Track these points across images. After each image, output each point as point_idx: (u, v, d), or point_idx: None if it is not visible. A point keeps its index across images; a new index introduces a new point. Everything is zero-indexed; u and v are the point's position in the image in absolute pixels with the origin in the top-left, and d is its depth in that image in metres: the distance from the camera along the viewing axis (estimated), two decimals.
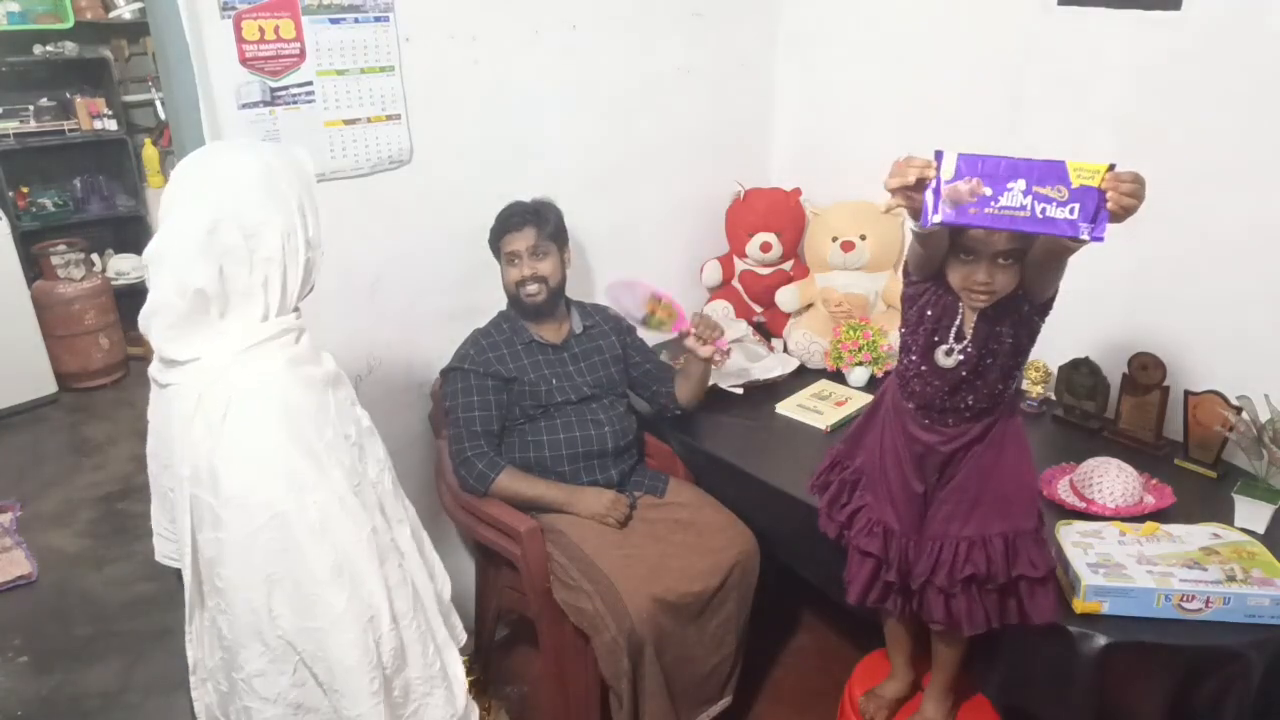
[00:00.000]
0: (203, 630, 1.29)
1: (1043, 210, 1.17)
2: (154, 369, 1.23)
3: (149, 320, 1.18)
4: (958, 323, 1.52)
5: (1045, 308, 1.51)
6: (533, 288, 2.15)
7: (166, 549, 1.36)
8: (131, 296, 4.70)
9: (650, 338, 2.48)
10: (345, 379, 1.31)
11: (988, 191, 1.17)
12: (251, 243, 1.17)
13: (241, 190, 1.18)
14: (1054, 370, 2.33)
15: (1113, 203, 1.18)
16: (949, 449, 1.58)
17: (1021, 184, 1.17)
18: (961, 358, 1.52)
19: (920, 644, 1.84)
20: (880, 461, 1.66)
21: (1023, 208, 1.16)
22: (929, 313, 1.54)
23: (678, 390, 2.27)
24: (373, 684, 1.19)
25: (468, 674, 2.31)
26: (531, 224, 2.14)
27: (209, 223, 1.15)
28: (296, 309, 1.26)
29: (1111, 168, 1.19)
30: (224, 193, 1.17)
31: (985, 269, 1.43)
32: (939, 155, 1.21)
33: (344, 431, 1.25)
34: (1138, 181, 1.19)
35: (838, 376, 2.57)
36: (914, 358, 1.58)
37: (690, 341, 2.15)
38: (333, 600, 1.16)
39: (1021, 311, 1.50)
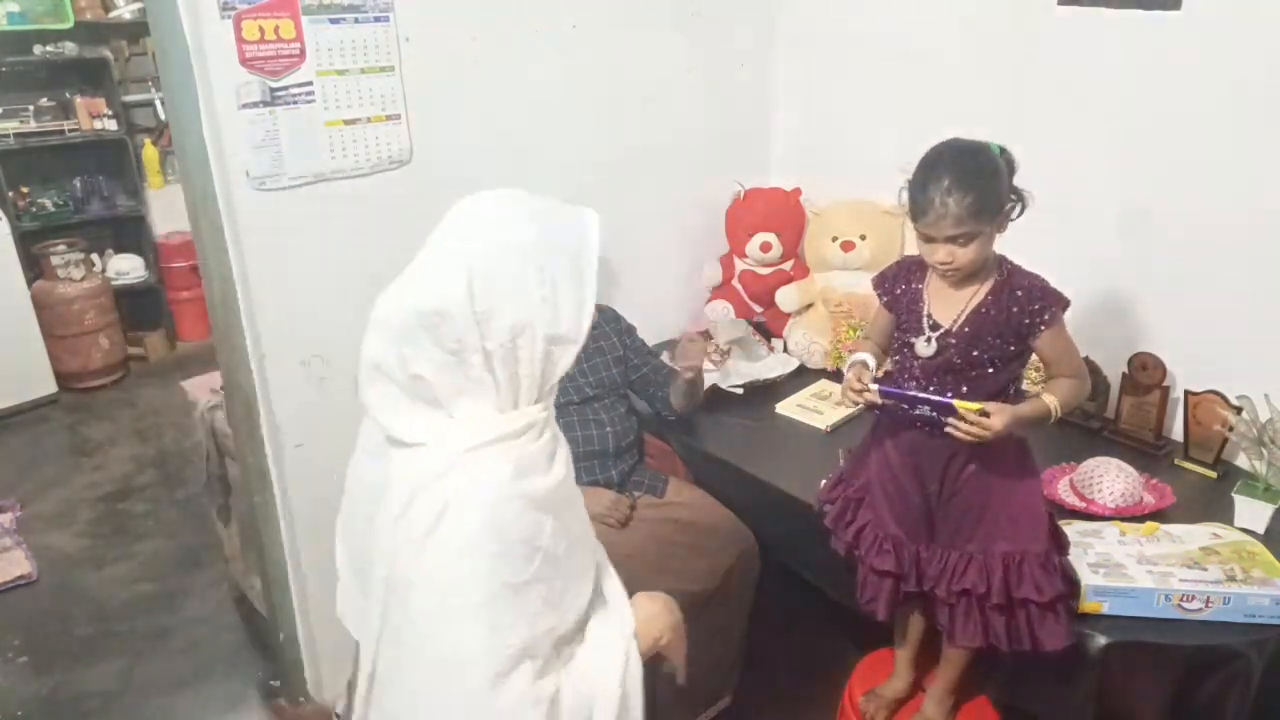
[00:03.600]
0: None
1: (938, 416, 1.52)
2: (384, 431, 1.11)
3: (367, 378, 1.10)
4: (926, 310, 1.61)
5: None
6: None
7: (348, 607, 1.21)
8: (131, 296, 4.70)
9: (650, 336, 2.48)
10: (570, 481, 1.14)
11: (905, 406, 1.56)
12: (482, 329, 1.02)
13: (483, 272, 1.02)
14: None
15: (951, 430, 1.50)
16: (945, 453, 1.59)
17: (926, 408, 1.53)
18: (938, 345, 1.57)
19: (930, 641, 1.84)
20: (879, 475, 1.68)
21: (931, 412, 1.53)
22: (902, 304, 1.65)
23: (672, 399, 2.27)
24: None
25: None
26: None
27: (439, 306, 1.02)
28: (542, 401, 1.10)
29: (983, 413, 1.49)
30: (464, 273, 1.02)
31: (944, 250, 1.51)
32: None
33: (555, 552, 1.07)
34: (985, 420, 1.49)
35: (838, 376, 2.57)
36: (900, 355, 1.66)
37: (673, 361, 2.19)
38: None
39: (1006, 326, 1.56)
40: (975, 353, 1.56)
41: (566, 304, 1.06)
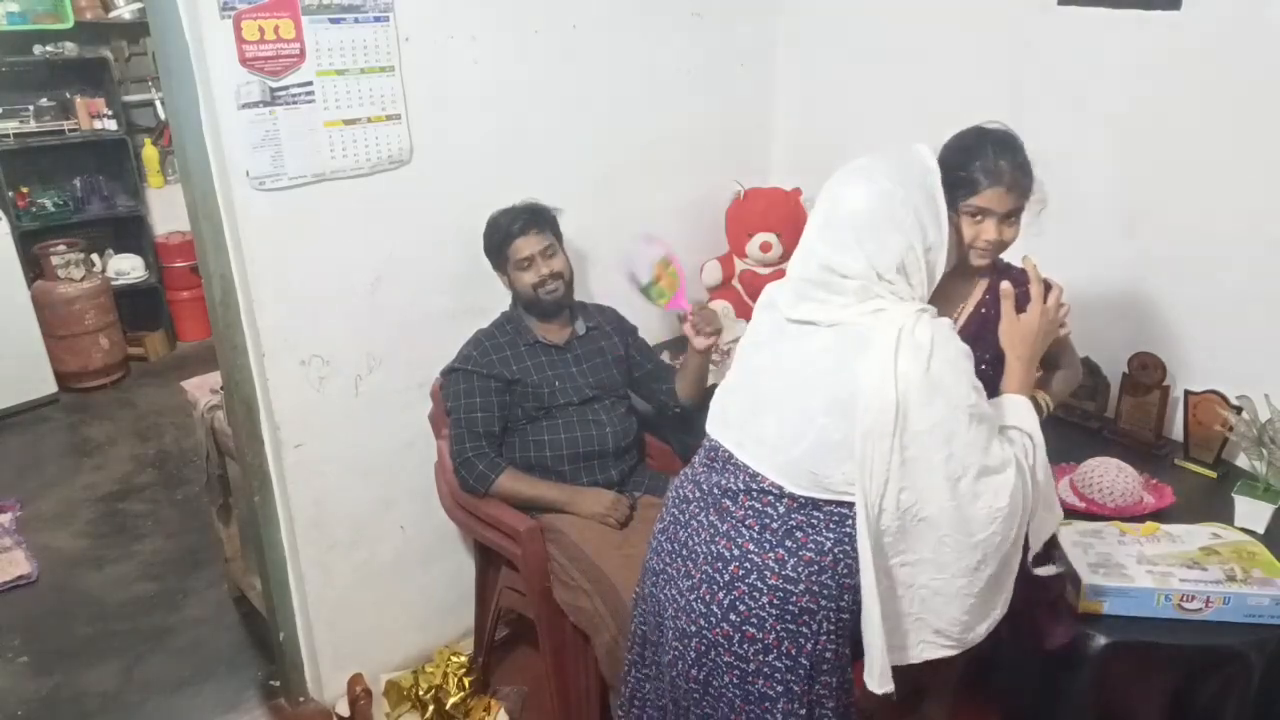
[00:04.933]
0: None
1: None
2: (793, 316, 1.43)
3: (814, 314, 1.39)
4: None
5: None
6: (553, 286, 2.16)
7: (769, 457, 1.41)
8: (131, 296, 4.70)
9: (651, 336, 2.48)
10: None
11: None
12: (875, 265, 1.33)
13: (865, 225, 1.35)
14: None
15: None
16: None
17: None
18: None
19: None
20: None
21: None
22: None
23: (678, 387, 2.27)
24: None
25: (467, 674, 2.33)
26: (535, 225, 2.15)
27: (839, 261, 1.35)
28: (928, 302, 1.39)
29: None
30: (852, 232, 1.35)
31: (995, 227, 1.53)
32: None
33: None
34: None
35: None
36: None
37: (687, 329, 2.14)
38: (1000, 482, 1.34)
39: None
40: (978, 353, 1.56)
41: (929, 221, 1.35)
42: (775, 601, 1.38)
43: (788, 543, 1.38)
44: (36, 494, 3.52)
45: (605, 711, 2.05)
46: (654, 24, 2.50)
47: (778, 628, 1.39)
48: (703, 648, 1.44)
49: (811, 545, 1.37)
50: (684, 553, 1.49)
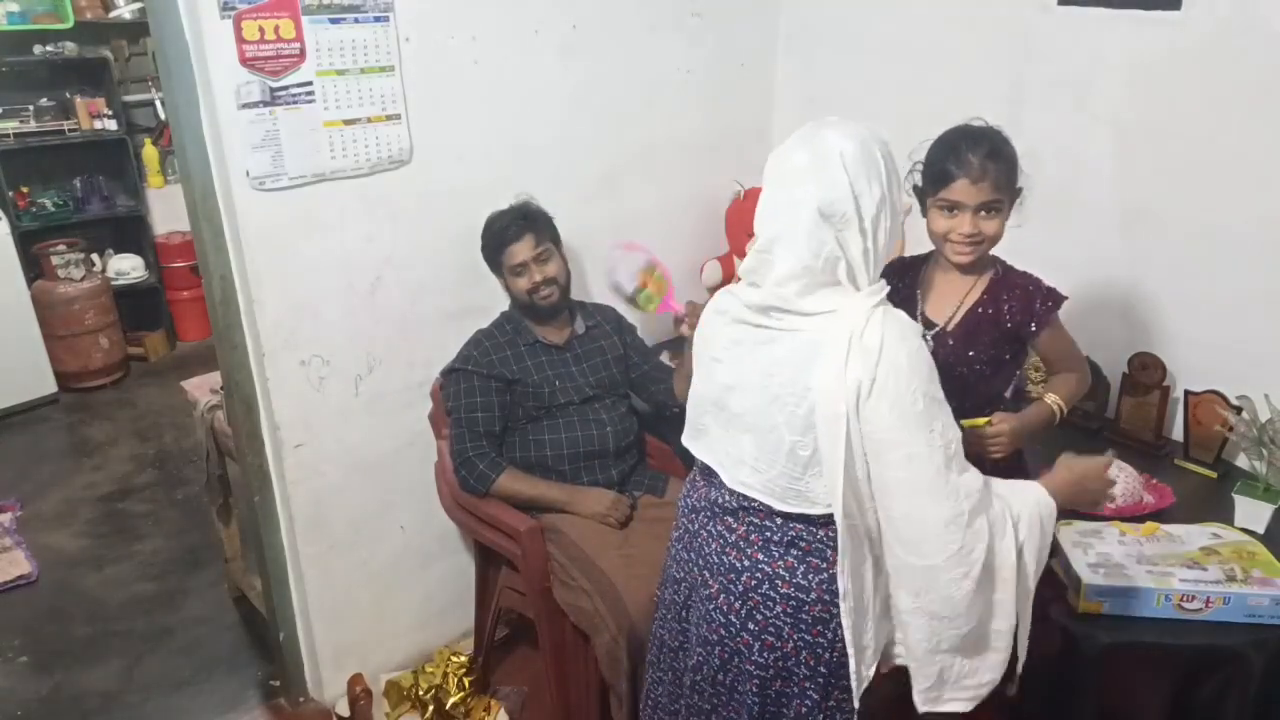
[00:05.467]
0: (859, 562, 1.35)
1: None
2: (758, 317, 1.35)
3: (784, 285, 1.31)
4: (920, 309, 1.63)
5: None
6: (546, 291, 2.15)
7: (751, 479, 1.40)
8: (131, 296, 4.70)
9: (650, 337, 2.48)
10: None
11: None
12: (860, 204, 1.29)
13: (852, 159, 1.29)
14: None
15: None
16: None
17: None
18: (932, 345, 1.55)
19: None
20: None
21: None
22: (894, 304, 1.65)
23: (675, 386, 2.27)
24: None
25: (468, 674, 2.33)
26: (528, 230, 2.14)
27: (830, 193, 1.28)
28: (880, 280, 1.35)
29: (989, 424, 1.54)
30: (834, 169, 1.29)
31: (970, 220, 1.52)
32: None
33: None
34: (993, 431, 1.55)
35: None
36: None
37: (684, 330, 2.09)
38: (948, 541, 1.27)
39: (1004, 327, 1.55)
40: (971, 353, 1.57)
41: (895, 181, 1.34)
42: (789, 610, 1.39)
43: (794, 551, 1.38)
44: (36, 494, 3.52)
45: (605, 711, 2.05)
46: (654, 24, 2.50)
47: (794, 636, 1.39)
48: (726, 655, 1.46)
49: (815, 553, 1.37)
50: (700, 562, 1.49)
